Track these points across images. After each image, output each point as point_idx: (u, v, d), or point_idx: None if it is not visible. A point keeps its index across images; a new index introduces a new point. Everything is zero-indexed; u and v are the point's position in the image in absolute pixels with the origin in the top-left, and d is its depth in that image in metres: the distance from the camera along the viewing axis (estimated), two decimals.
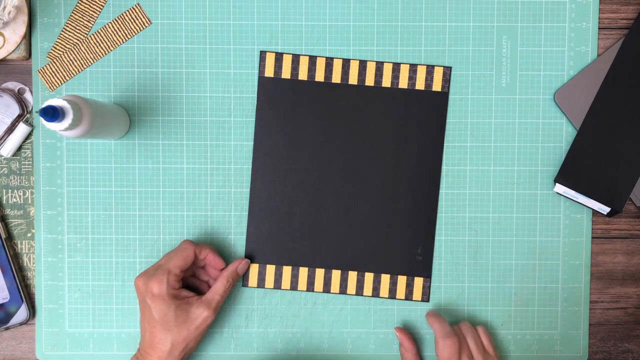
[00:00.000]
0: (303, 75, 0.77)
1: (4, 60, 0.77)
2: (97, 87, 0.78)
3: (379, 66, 0.77)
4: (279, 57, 0.77)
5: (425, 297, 0.78)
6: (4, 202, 0.78)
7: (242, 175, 0.78)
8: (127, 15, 0.77)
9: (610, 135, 0.76)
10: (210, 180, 0.78)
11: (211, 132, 0.78)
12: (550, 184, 0.78)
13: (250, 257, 0.78)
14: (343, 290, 0.78)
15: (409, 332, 0.78)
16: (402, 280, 0.78)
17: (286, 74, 0.77)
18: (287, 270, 0.78)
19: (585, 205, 0.77)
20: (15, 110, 0.77)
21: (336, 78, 0.77)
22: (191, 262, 0.73)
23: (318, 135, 0.77)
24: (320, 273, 0.78)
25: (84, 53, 0.77)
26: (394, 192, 0.77)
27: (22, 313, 0.76)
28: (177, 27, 0.77)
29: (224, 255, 0.78)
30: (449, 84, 0.77)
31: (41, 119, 0.75)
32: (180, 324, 0.70)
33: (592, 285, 0.79)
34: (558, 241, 0.78)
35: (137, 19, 0.77)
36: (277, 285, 0.78)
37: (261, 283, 0.78)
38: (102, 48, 0.77)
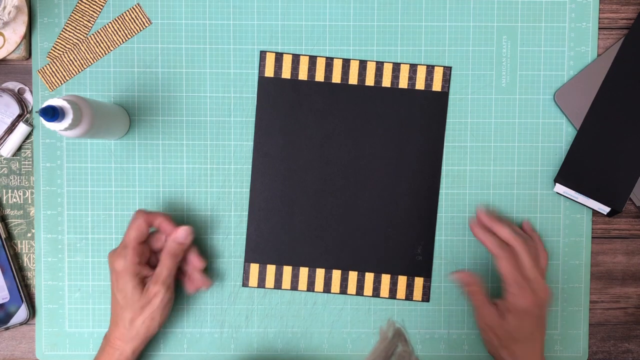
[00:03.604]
0: (303, 75, 0.77)
1: (4, 60, 0.77)
2: (97, 87, 0.78)
3: (379, 66, 0.77)
4: (279, 57, 0.77)
5: (426, 297, 0.78)
6: (4, 202, 0.78)
7: (242, 175, 0.78)
8: (127, 15, 0.77)
9: (610, 135, 0.76)
10: (210, 180, 0.78)
11: (211, 132, 0.78)
12: (550, 184, 0.78)
13: (251, 257, 0.78)
14: (343, 290, 0.78)
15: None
16: (402, 280, 0.78)
17: (286, 74, 0.77)
18: (287, 270, 0.78)
19: (585, 205, 0.77)
20: (15, 110, 0.77)
21: (336, 78, 0.77)
22: (146, 232, 0.71)
23: (318, 135, 0.77)
24: (320, 273, 0.78)
25: (84, 53, 0.77)
26: (394, 192, 0.77)
27: (22, 313, 0.76)
28: (177, 27, 0.77)
29: (224, 255, 0.78)
30: (449, 84, 0.77)
31: (41, 119, 0.75)
32: (135, 300, 0.70)
33: (592, 285, 0.79)
34: (558, 241, 0.78)
35: (137, 19, 0.77)
36: (278, 285, 0.78)
37: (261, 283, 0.78)
38: (102, 48, 0.77)
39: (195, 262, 0.73)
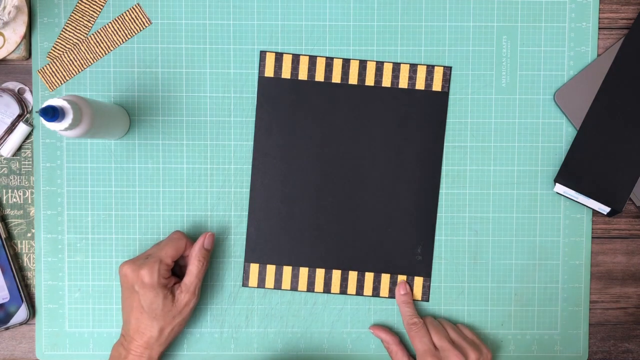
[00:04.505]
0: (303, 75, 0.77)
1: (4, 60, 0.77)
2: (97, 87, 0.78)
3: (379, 66, 0.77)
4: (279, 57, 0.77)
5: (425, 297, 0.78)
6: (4, 202, 0.78)
7: (242, 175, 0.78)
8: (127, 15, 0.77)
9: (610, 135, 0.76)
10: (210, 180, 0.78)
11: (211, 132, 0.78)
12: (550, 184, 0.78)
13: (251, 257, 0.78)
14: (343, 290, 0.78)
15: (384, 325, 0.78)
16: (402, 280, 0.78)
17: (286, 74, 0.77)
18: (287, 270, 0.78)
19: (585, 205, 0.77)
20: (15, 110, 0.77)
21: (336, 78, 0.77)
22: (182, 253, 0.73)
23: (318, 135, 0.77)
24: (320, 273, 0.78)
25: (84, 53, 0.77)
26: (394, 192, 0.77)
27: (22, 313, 0.76)
28: (177, 27, 0.77)
29: (224, 255, 0.78)
30: (449, 84, 0.77)
31: (41, 119, 0.75)
32: (166, 312, 0.71)
33: (592, 285, 0.79)
34: (558, 241, 0.78)
35: (137, 19, 0.77)
36: (278, 285, 0.78)
37: (261, 283, 0.78)
38: (102, 48, 0.77)
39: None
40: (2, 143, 0.77)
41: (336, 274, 0.78)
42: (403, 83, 0.77)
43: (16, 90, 0.78)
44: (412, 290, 0.78)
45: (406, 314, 0.75)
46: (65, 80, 0.78)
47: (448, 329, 0.74)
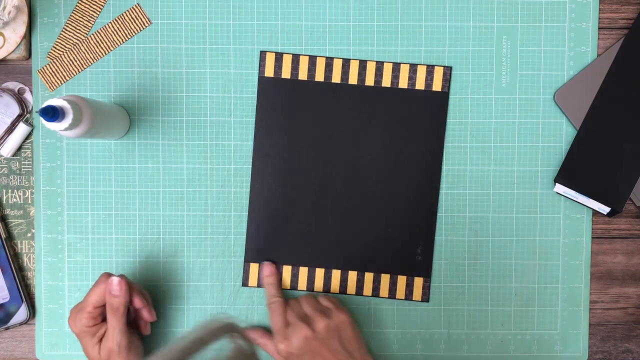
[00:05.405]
0: (303, 75, 0.77)
1: (4, 60, 0.77)
2: (97, 87, 0.78)
3: (379, 66, 0.77)
4: (278, 57, 0.77)
5: (425, 297, 0.78)
6: (4, 202, 0.78)
7: (242, 175, 0.78)
8: (127, 15, 0.77)
9: (610, 135, 0.76)
10: (210, 180, 0.78)
11: (211, 132, 0.78)
12: (550, 184, 0.78)
13: (251, 257, 0.78)
14: (343, 290, 0.78)
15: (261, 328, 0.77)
16: (402, 280, 0.78)
17: (286, 74, 0.77)
18: (287, 270, 0.78)
19: (585, 205, 0.77)
20: (15, 110, 0.77)
21: (336, 78, 0.77)
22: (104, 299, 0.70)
23: (318, 135, 0.77)
24: (320, 273, 0.78)
25: (84, 53, 0.77)
26: (394, 192, 0.77)
27: (22, 313, 0.76)
28: (177, 27, 0.77)
29: (224, 255, 0.78)
30: (449, 84, 0.77)
31: (41, 119, 0.75)
32: (98, 359, 0.70)
33: (592, 285, 0.79)
34: (558, 241, 0.78)
35: (137, 19, 0.77)
36: None
37: (261, 283, 0.78)
38: (102, 48, 0.77)
39: (136, 303, 0.72)
40: (2, 143, 0.77)
41: (336, 274, 0.78)
42: (403, 83, 0.77)
43: (16, 90, 0.78)
44: (412, 290, 0.78)
45: (269, 294, 0.75)
46: (65, 80, 0.78)
47: (303, 303, 0.73)
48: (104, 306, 0.70)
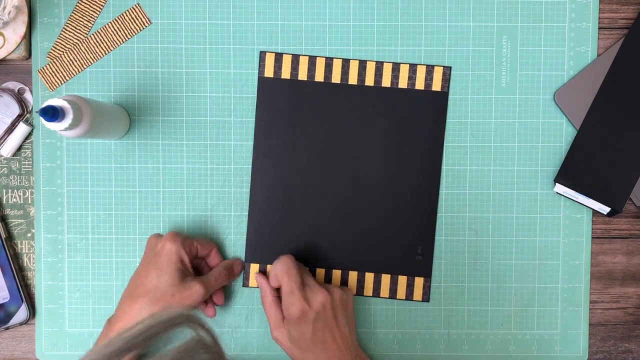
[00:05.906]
0: (303, 75, 0.77)
1: (4, 60, 0.77)
2: (97, 87, 0.78)
3: (379, 66, 0.77)
4: (278, 57, 0.77)
5: (426, 297, 0.78)
6: (4, 202, 0.78)
7: (242, 175, 0.78)
8: (127, 15, 0.77)
9: (610, 135, 0.76)
10: (210, 180, 0.78)
11: (211, 132, 0.78)
12: (550, 184, 0.78)
13: (251, 257, 0.78)
14: None
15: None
16: (402, 280, 0.78)
17: (286, 74, 0.77)
18: None
19: (585, 205, 0.77)
20: (15, 110, 0.77)
21: (336, 78, 0.77)
22: (207, 254, 0.75)
23: (318, 135, 0.77)
24: (320, 273, 0.78)
25: (84, 53, 0.77)
26: (394, 192, 0.77)
27: (22, 313, 0.76)
28: (177, 27, 0.77)
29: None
30: (449, 84, 0.77)
31: (41, 119, 0.75)
32: (170, 285, 0.68)
33: (592, 285, 0.79)
34: (558, 241, 0.78)
35: (137, 19, 0.77)
36: None
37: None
38: (102, 48, 0.77)
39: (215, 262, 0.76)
40: (2, 143, 0.77)
41: (336, 274, 0.78)
42: (403, 83, 0.77)
43: (16, 90, 0.78)
44: (412, 290, 0.78)
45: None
46: (65, 80, 0.78)
47: (309, 275, 0.74)
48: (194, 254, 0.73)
